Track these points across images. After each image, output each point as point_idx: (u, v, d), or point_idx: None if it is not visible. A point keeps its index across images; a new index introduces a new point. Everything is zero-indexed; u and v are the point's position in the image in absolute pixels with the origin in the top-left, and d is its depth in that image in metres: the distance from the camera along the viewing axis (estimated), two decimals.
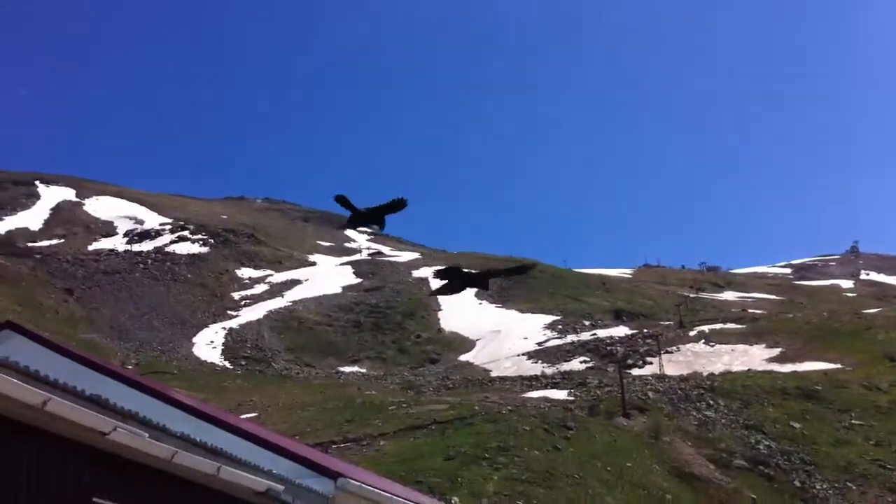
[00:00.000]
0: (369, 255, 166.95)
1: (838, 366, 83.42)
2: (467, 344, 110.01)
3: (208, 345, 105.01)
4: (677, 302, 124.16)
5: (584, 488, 47.40)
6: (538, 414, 61.15)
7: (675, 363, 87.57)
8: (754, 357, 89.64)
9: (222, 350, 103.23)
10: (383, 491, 15.94)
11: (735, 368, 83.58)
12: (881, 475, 55.66)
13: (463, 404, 65.32)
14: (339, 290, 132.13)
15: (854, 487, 53.81)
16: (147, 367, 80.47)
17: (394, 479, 23.53)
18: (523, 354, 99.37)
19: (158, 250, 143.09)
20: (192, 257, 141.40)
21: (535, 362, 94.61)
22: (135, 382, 15.54)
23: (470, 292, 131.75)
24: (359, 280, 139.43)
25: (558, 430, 56.99)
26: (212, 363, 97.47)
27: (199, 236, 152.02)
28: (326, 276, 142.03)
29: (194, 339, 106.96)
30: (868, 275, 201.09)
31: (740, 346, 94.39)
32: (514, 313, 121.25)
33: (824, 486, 53.67)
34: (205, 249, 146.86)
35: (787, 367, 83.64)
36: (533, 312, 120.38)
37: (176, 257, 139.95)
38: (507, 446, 52.35)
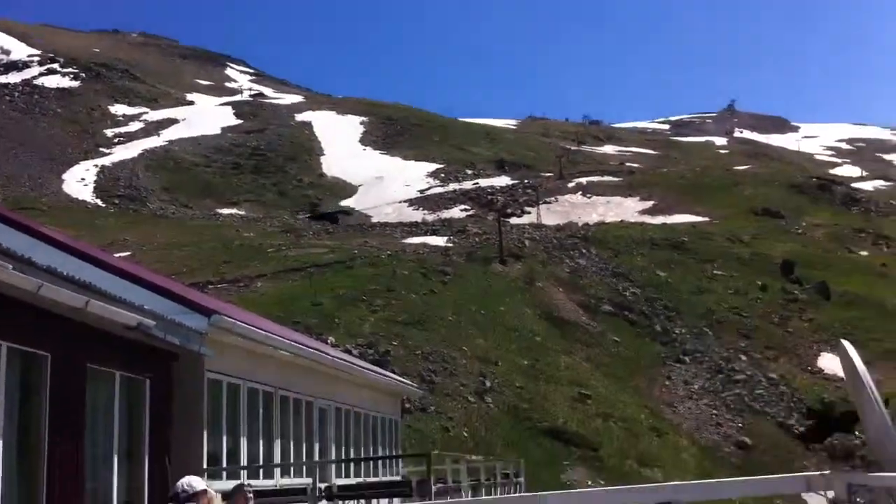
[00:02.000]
0: (251, 96, 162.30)
1: (706, 219, 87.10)
2: (349, 189, 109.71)
3: (79, 182, 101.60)
4: (558, 154, 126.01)
5: (458, 330, 48.95)
6: (417, 259, 62.23)
7: (552, 213, 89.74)
8: (628, 209, 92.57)
9: (94, 188, 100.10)
10: (258, 328, 16.09)
11: (609, 219, 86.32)
12: (737, 322, 59.29)
13: (343, 248, 65.79)
14: (218, 132, 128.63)
15: (710, 332, 57.23)
16: (14, 203, 77.46)
17: (271, 320, 23.76)
18: (405, 201, 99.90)
19: (26, 83, 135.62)
20: (62, 92, 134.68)
21: (417, 209, 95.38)
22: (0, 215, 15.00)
23: (355, 137, 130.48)
24: (239, 122, 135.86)
25: (436, 274, 58.24)
26: (83, 201, 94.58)
27: (70, 70, 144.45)
28: (205, 116, 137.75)
29: (64, 176, 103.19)
30: (742, 133, 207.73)
31: (616, 199, 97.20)
32: (397, 160, 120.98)
33: (683, 331, 56.90)
34: (75, 84, 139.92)
35: (658, 220, 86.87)
36: (417, 160, 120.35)
37: (45, 91, 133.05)
38: (384, 289, 53.32)
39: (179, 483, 8.32)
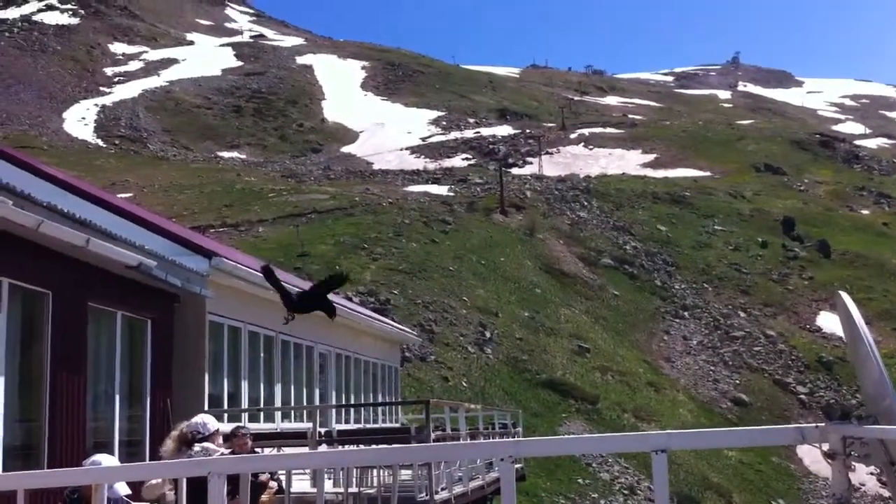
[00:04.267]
0: (251, 37, 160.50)
1: (708, 173, 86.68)
2: (350, 135, 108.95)
3: (79, 121, 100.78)
4: (561, 104, 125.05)
5: (458, 280, 48.82)
6: (418, 208, 61.91)
7: (554, 164, 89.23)
8: (630, 162, 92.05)
9: (94, 128, 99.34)
10: (258, 271, 15.88)
11: (610, 172, 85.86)
12: (736, 277, 59.22)
13: (344, 195, 65.43)
14: (218, 73, 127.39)
15: (710, 288, 57.19)
16: (14, 141, 76.88)
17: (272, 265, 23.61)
18: (406, 149, 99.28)
19: (25, 18, 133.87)
20: (62, 28, 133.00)
21: (418, 157, 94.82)
22: None
23: (356, 82, 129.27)
24: (240, 63, 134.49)
25: (437, 224, 57.98)
26: (83, 140, 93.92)
27: (69, 6, 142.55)
28: (205, 56, 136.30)
29: (64, 115, 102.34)
30: (746, 86, 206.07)
31: (618, 151, 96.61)
32: (399, 107, 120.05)
33: (683, 286, 56.85)
34: (75, 21, 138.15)
35: (660, 173, 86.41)
36: (418, 107, 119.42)
37: (44, 27, 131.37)
38: (385, 238, 53.10)
39: (194, 421, 8.15)
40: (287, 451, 12.08)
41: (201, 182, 70.65)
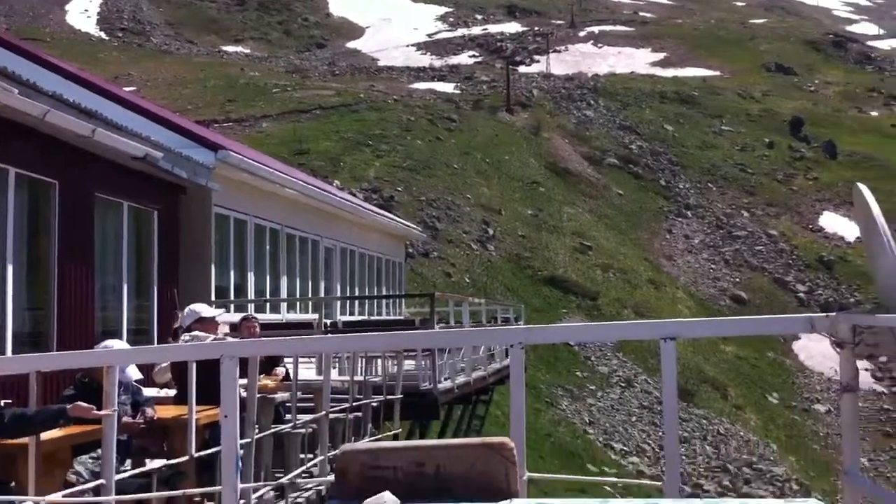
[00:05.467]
0: None
1: (717, 73, 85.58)
2: (356, 31, 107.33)
3: (82, 13, 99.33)
4: (571, 1, 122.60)
5: (462, 178, 48.94)
6: (423, 105, 61.55)
7: (562, 62, 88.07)
8: (639, 60, 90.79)
9: (97, 20, 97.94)
10: (264, 165, 16.10)
11: (619, 71, 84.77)
12: (741, 178, 59.19)
13: (349, 91, 64.99)
14: None
15: (714, 188, 57.24)
16: (17, 33, 76.00)
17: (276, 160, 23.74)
18: (412, 45, 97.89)
19: None
20: None
21: (424, 54, 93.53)
22: (4, 41, 14.76)
23: None
24: None
25: (442, 122, 57.75)
26: (86, 33, 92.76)
27: None
28: None
29: (67, 7, 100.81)
30: None
31: (627, 49, 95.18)
32: (405, 2, 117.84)
33: (687, 186, 56.89)
34: None
35: (669, 72, 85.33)
36: (425, 2, 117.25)
37: None
38: (390, 135, 53.01)
39: (187, 309, 8.43)
40: None
41: (205, 76, 70.07)
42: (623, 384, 30.55)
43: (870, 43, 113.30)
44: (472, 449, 2.61)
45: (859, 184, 4.38)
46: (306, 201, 18.36)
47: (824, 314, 3.73)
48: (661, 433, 28.67)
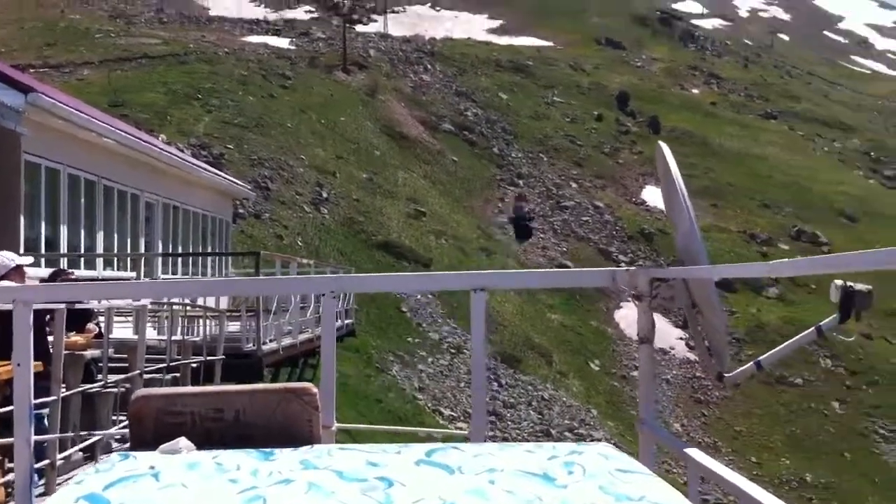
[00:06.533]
0: None
1: (551, 44, 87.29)
2: None
3: None
4: None
5: (295, 137, 47.73)
6: (256, 60, 59.66)
7: (400, 24, 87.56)
8: (476, 26, 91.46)
9: None
10: (79, 111, 14.86)
11: (456, 36, 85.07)
12: (571, 149, 60.58)
13: (177, 41, 62.17)
14: None
15: (545, 158, 58.30)
16: None
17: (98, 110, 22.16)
18: None
19: None
20: None
21: (258, 5, 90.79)
22: None
23: None
24: None
25: (276, 78, 56.14)
26: None
27: None
28: None
29: None
30: None
31: (465, 14, 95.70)
32: None
33: (519, 155, 57.70)
34: None
35: (504, 40, 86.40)
36: None
37: None
38: (221, 89, 51.05)
39: None
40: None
41: (20, 17, 65.42)
42: (453, 350, 30.63)
43: (695, 21, 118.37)
44: (273, 394, 2.54)
45: (661, 143, 4.36)
46: (126, 152, 17.15)
47: (626, 269, 3.84)
48: (488, 398, 28.98)
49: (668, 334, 38.08)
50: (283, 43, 68.92)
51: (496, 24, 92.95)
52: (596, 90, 73.63)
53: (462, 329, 32.36)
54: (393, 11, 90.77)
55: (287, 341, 18.13)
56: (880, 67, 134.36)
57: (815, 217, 56.49)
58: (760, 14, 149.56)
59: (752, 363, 3.95)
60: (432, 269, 39.35)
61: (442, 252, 41.31)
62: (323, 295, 3.63)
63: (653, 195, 55.16)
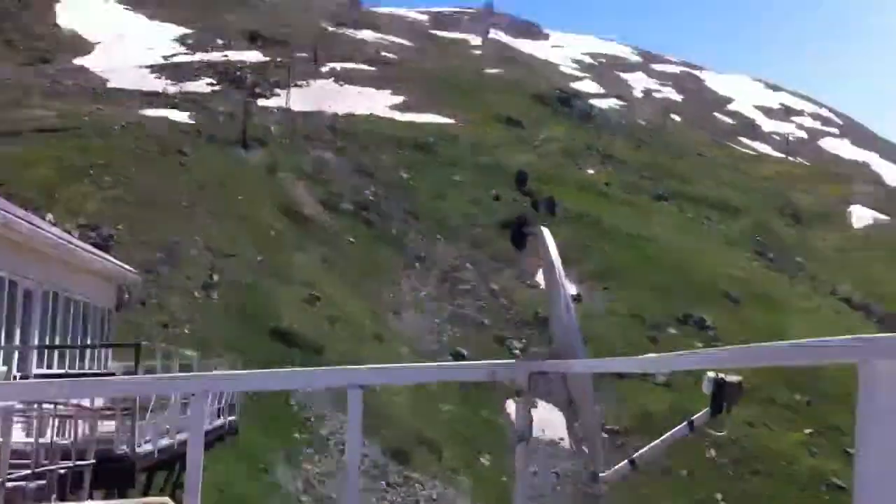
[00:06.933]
0: None
1: (453, 121, 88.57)
2: (85, 46, 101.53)
3: None
4: (316, 34, 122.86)
5: (190, 217, 47.20)
6: (154, 134, 59.03)
7: (303, 98, 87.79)
8: (379, 102, 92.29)
9: None
10: None
11: (359, 112, 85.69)
12: (469, 230, 61.21)
13: (72, 113, 61.14)
14: None
15: (444, 239, 58.81)
16: None
17: None
18: (147, 67, 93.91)
19: None
20: None
21: (159, 77, 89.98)
22: None
23: None
24: None
25: (173, 154, 55.60)
26: None
27: None
28: None
29: None
30: (497, 35, 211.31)
31: (368, 90, 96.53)
32: (142, 19, 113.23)
33: (419, 236, 58.10)
34: None
35: (407, 117, 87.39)
36: (163, 21, 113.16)
37: None
38: (114, 165, 50.33)
39: None
40: None
41: None
42: (341, 447, 30.38)
43: (592, 101, 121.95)
44: None
45: (543, 227, 4.43)
46: (6, 234, 16.71)
47: (504, 361, 3.78)
48: (374, 499, 28.74)
49: (559, 424, 38.45)
50: (182, 116, 68.38)
51: (399, 100, 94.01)
52: (496, 169, 74.85)
53: None
54: (297, 85, 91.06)
55: (164, 442, 17.67)
56: (766, 149, 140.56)
57: (702, 299, 58.14)
58: (654, 95, 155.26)
59: (625, 461, 3.98)
60: (325, 357, 39.06)
61: (335, 339, 41.11)
62: (193, 395, 3.47)
63: None
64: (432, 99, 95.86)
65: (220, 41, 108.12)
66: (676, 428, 3.81)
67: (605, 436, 40.14)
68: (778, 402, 44.75)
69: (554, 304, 4.51)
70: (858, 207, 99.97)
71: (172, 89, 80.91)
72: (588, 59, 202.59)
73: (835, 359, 2.23)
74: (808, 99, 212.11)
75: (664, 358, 3.00)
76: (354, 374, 3.47)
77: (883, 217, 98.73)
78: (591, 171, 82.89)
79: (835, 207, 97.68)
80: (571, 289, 55.95)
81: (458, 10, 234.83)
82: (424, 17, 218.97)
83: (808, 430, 43.01)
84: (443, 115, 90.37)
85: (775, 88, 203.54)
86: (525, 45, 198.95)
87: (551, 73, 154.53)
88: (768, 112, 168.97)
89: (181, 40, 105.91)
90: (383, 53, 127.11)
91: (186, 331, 35.99)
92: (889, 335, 2.01)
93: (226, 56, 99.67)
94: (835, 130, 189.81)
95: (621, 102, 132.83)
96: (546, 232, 4.52)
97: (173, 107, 72.45)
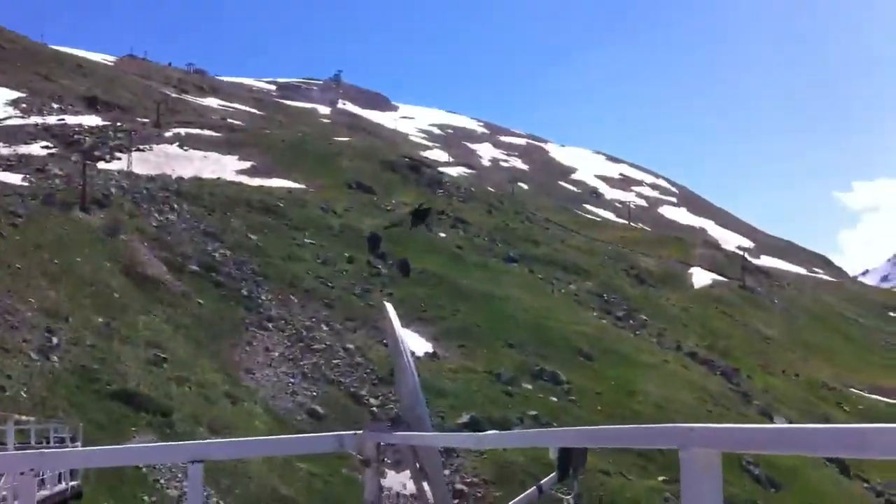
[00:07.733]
0: None
1: (303, 186, 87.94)
2: None
3: None
4: (158, 100, 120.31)
5: (26, 280, 44.52)
6: None
7: (145, 162, 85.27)
8: (226, 167, 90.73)
9: None
10: None
11: (205, 176, 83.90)
12: (322, 291, 60.38)
13: None
14: None
15: (296, 300, 57.68)
16: None
17: None
18: None
19: None
20: None
21: None
22: None
23: None
24: None
25: (6, 216, 52.63)
26: None
27: None
28: None
29: None
30: (345, 105, 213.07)
31: (214, 155, 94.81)
32: None
33: (269, 297, 56.76)
34: None
35: (256, 181, 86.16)
36: None
37: None
38: None
39: None
40: None
41: None
42: None
43: (441, 169, 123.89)
44: None
45: (386, 303, 4.34)
46: None
47: (353, 433, 3.81)
48: None
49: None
50: (16, 179, 65.11)
51: (247, 165, 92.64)
52: (348, 232, 74.52)
53: (204, 486, 30.52)
54: (139, 150, 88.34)
55: None
56: (608, 215, 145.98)
57: (556, 355, 59.01)
58: (502, 164, 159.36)
59: None
60: (173, 419, 37.17)
61: (184, 400, 39.23)
62: (22, 473, 3.29)
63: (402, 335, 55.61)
64: (281, 165, 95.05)
65: (56, 105, 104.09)
66: (525, 493, 3.84)
67: (465, 488, 39.66)
68: (632, 450, 45.40)
69: (401, 375, 4.62)
70: (698, 270, 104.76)
71: (5, 152, 76.88)
72: (436, 130, 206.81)
73: (657, 445, 2.32)
74: (647, 170, 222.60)
75: (506, 435, 3.14)
76: (194, 450, 3.30)
77: (721, 278, 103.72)
78: (443, 235, 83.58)
79: (676, 269, 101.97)
80: (428, 347, 55.99)
81: (304, 80, 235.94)
82: (272, 87, 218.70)
83: (661, 478, 43.68)
84: (292, 181, 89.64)
85: (615, 160, 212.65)
86: (374, 116, 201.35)
87: (401, 142, 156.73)
88: (609, 181, 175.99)
89: (15, 104, 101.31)
90: (229, 120, 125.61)
91: (24, 394, 33.49)
92: (706, 426, 2.16)
93: (62, 120, 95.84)
94: (672, 199, 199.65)
95: (470, 170, 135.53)
96: (389, 307, 4.62)
97: (7, 169, 68.90)
